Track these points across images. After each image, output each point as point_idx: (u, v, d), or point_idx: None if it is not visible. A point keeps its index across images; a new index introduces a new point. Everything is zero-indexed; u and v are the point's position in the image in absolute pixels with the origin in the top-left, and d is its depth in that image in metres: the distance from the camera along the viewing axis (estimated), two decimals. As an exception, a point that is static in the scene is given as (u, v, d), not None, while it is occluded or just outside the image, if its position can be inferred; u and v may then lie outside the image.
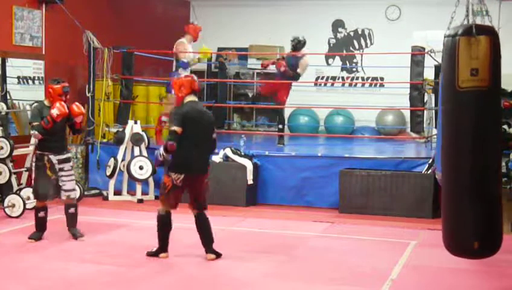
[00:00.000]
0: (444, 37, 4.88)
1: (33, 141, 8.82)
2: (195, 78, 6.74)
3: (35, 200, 7.63)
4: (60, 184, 7.33)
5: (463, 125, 4.82)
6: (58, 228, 7.98)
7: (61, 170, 7.33)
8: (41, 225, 7.40)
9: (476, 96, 4.76)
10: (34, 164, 7.57)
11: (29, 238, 7.35)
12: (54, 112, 7.09)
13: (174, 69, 11.05)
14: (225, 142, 10.96)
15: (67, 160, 7.40)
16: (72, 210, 7.42)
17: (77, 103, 7.43)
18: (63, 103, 7.17)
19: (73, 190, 7.48)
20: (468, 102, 4.78)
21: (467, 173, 4.83)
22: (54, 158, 7.30)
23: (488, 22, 5.01)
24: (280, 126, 11.43)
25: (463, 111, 4.80)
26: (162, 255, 6.69)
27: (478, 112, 4.78)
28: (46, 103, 7.37)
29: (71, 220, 7.46)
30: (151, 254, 6.71)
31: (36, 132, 7.21)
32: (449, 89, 4.84)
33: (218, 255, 6.70)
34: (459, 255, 5.12)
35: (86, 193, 9.93)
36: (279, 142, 11.37)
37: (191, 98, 6.61)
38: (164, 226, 6.65)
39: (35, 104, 7.97)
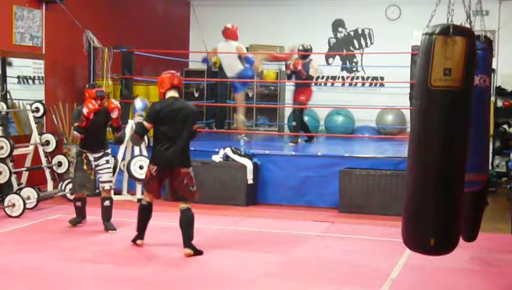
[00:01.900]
0: (422, 34, 4.88)
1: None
2: (176, 73, 7.10)
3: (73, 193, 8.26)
4: (97, 177, 7.96)
5: (432, 123, 4.81)
6: (58, 227, 8.01)
7: (97, 165, 7.89)
8: (79, 213, 8.04)
9: (448, 96, 4.76)
10: (74, 160, 8.25)
11: (69, 222, 8.03)
12: (84, 110, 7.66)
13: (239, 69, 11.51)
14: (225, 142, 10.96)
15: (103, 156, 7.91)
16: (106, 203, 7.85)
17: (113, 99, 7.87)
18: (92, 101, 7.69)
19: (109, 181, 7.92)
20: (439, 101, 4.77)
21: (431, 172, 4.82)
22: (91, 156, 7.89)
23: (476, 22, 4.99)
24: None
25: (433, 109, 4.80)
26: (138, 241, 7.09)
27: (448, 111, 4.77)
28: None
29: (105, 213, 7.86)
30: (132, 240, 7.12)
31: (76, 132, 7.81)
32: (422, 87, 4.84)
33: (196, 252, 6.75)
34: (417, 251, 5.11)
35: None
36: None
37: (171, 93, 6.91)
38: (140, 214, 7.06)
39: (77, 107, 8.43)
